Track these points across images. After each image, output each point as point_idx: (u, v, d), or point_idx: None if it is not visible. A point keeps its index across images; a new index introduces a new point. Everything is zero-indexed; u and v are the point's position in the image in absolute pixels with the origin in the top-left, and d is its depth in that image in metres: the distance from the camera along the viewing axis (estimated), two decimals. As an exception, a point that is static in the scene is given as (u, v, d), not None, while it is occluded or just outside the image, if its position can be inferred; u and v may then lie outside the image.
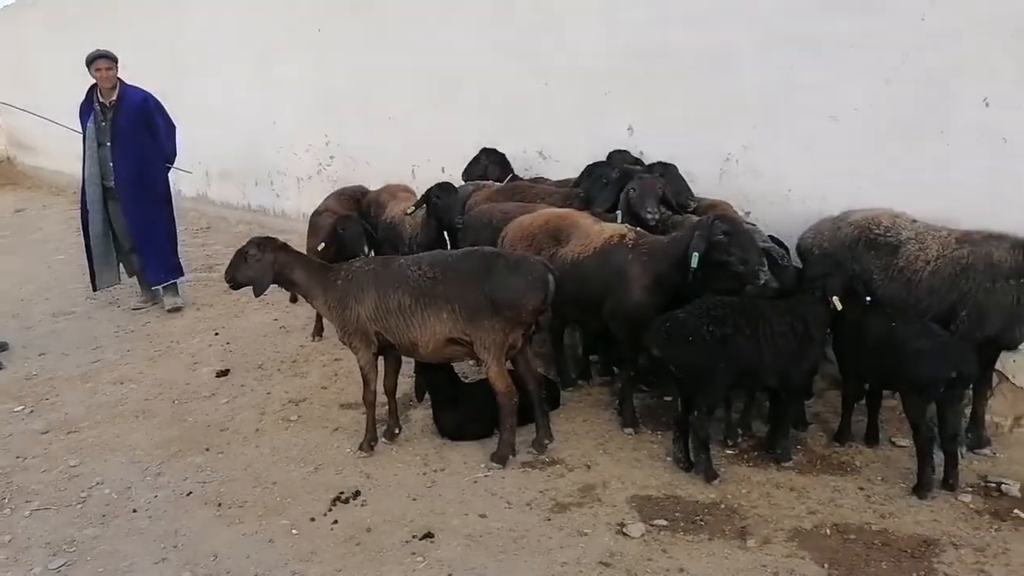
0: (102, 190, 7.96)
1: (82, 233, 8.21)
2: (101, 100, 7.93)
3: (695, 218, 5.55)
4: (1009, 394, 4.98)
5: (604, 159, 6.46)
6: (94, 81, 7.93)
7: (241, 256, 4.98)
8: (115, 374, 6.66)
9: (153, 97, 8.11)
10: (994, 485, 4.37)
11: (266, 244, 4.98)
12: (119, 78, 7.96)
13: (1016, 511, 4.14)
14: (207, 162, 12.88)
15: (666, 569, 3.79)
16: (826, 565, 3.77)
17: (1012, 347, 4.64)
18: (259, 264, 4.93)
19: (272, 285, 5.03)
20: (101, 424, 5.74)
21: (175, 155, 8.42)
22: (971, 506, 4.21)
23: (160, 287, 8.32)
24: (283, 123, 11.50)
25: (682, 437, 4.64)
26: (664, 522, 4.17)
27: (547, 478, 4.69)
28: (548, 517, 4.28)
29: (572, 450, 5.00)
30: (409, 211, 6.20)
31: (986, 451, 4.73)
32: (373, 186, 9.40)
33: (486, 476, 4.74)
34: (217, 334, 7.51)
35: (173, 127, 8.29)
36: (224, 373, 6.52)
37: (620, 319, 5.02)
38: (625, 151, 6.36)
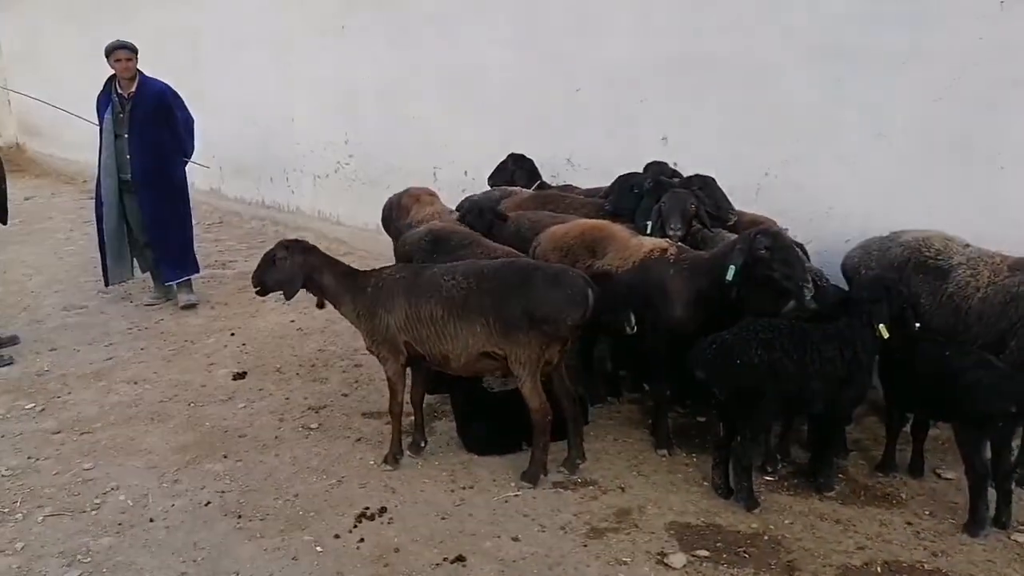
0: (118, 183, 7.79)
1: (95, 226, 8.03)
2: (119, 91, 7.77)
3: (727, 234, 5.41)
4: (1059, 426, 4.80)
5: (635, 170, 6.27)
6: (113, 72, 7.77)
7: (269, 259, 4.82)
8: (129, 373, 6.49)
9: (172, 89, 7.95)
10: (1049, 523, 4.21)
11: (295, 246, 4.82)
12: (139, 69, 7.80)
13: (1075, 552, 3.97)
14: (221, 156, 12.69)
15: (711, 605, 3.63)
16: (880, 607, 3.61)
17: (1065, 380, 4.47)
18: (288, 267, 4.77)
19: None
20: (115, 425, 5.58)
21: (193, 149, 8.25)
22: (1024, 545, 4.04)
23: (174, 283, 8.16)
24: (301, 119, 11.33)
25: (722, 463, 4.47)
26: (706, 552, 4.00)
27: (580, 500, 4.53)
28: (584, 543, 4.11)
29: (604, 471, 4.83)
30: None
31: (1035, 486, 4.56)
32: (393, 186, 9.26)
33: (516, 496, 4.58)
34: (233, 334, 7.35)
35: (192, 121, 8.13)
36: (241, 376, 6.36)
37: (660, 335, 4.85)
38: (662, 163, 6.17)
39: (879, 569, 3.86)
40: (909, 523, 4.26)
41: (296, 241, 4.89)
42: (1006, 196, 4.82)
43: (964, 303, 4.54)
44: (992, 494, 4.16)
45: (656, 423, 5.09)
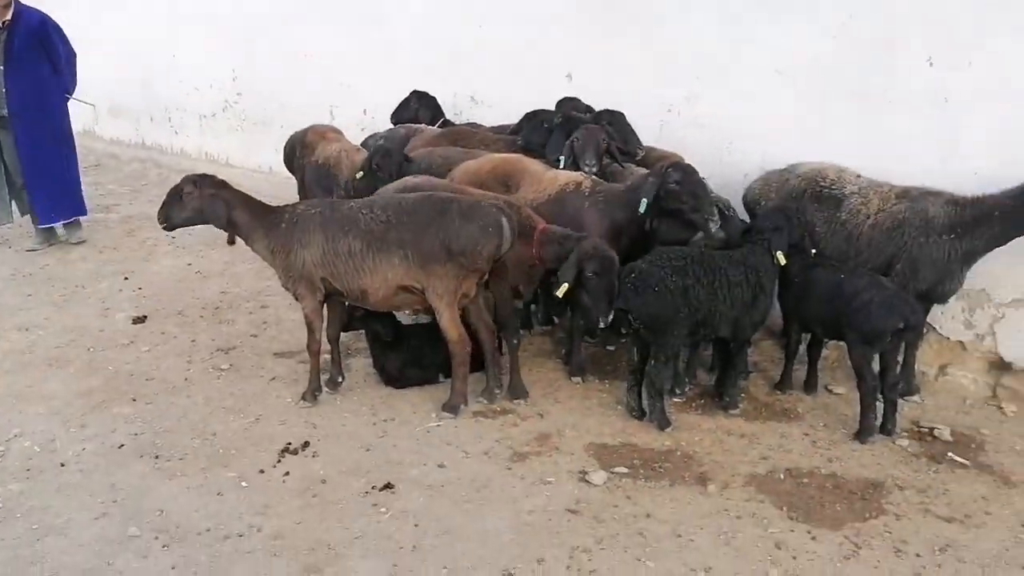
0: (-9, 117, 7.32)
1: (-30, 166, 7.52)
2: (-8, 20, 7.24)
3: (637, 168, 5.57)
4: (935, 344, 5.24)
5: (540, 107, 6.30)
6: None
7: (176, 195, 4.65)
8: (17, 319, 6.17)
9: (52, 20, 7.48)
10: (927, 430, 4.61)
11: (203, 180, 4.67)
12: (15, -4, 7.28)
13: (950, 454, 4.37)
14: (96, 95, 11.97)
15: (633, 515, 3.82)
16: (785, 508, 3.89)
17: (943, 301, 4.86)
18: (197, 202, 4.62)
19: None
20: (10, 373, 5.32)
21: (75, 85, 7.79)
22: (908, 450, 4.42)
23: (60, 225, 7.75)
24: (185, 56, 10.83)
25: (636, 386, 4.67)
26: (624, 469, 4.20)
27: (501, 427, 4.65)
28: (508, 466, 4.24)
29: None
30: (359, 176, 5.86)
31: (916, 398, 4.97)
32: (287, 126, 9.01)
33: (438, 426, 4.65)
34: (127, 278, 7.07)
35: (74, 55, 7.67)
36: (141, 320, 6.15)
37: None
38: (576, 99, 6.20)
39: (782, 476, 4.16)
40: (806, 434, 4.59)
41: (205, 175, 4.73)
42: (896, 130, 5.11)
43: (856, 229, 4.84)
44: (880, 406, 4.52)
45: (569, 351, 5.26)
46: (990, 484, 4.12)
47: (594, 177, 5.10)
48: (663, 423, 4.56)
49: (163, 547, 3.65)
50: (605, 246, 4.57)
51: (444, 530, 3.72)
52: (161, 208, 4.74)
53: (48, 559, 3.57)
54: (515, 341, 4.97)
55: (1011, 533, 3.73)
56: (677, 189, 4.65)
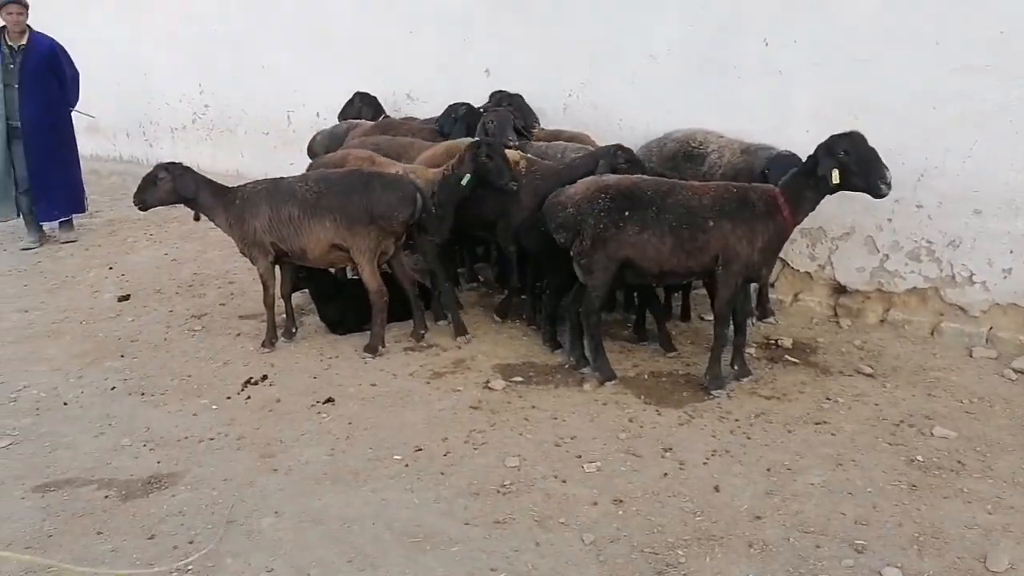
0: (6, 128, 8.42)
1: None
2: (9, 43, 8.37)
3: (563, 143, 6.52)
4: (789, 276, 6.29)
5: (466, 99, 7.29)
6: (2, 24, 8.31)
7: (151, 179, 5.65)
8: (16, 304, 7.11)
9: (61, 45, 8.71)
10: (773, 341, 5.65)
11: (174, 167, 5.68)
12: (28, 24, 8.39)
13: (786, 356, 5.43)
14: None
15: (521, 407, 4.85)
16: (642, 397, 4.93)
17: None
18: (169, 184, 5.61)
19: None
20: (13, 344, 6.25)
21: (77, 100, 9.05)
22: (754, 355, 5.46)
23: (55, 225, 8.85)
24: (154, 74, 11.79)
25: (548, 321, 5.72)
26: (520, 379, 5.23)
27: (426, 357, 5.66)
28: (428, 381, 5.26)
29: (445, 337, 5.96)
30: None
31: (771, 320, 6.01)
32: (250, 132, 10.06)
33: (374, 359, 5.65)
34: (111, 268, 8.02)
35: (78, 75, 8.93)
36: (125, 298, 7.11)
37: (511, 233, 5.91)
38: (503, 91, 7.23)
39: (646, 377, 5.21)
40: (675, 349, 5.63)
41: (173, 163, 5.75)
42: (744, 99, 6.19)
43: (712, 179, 5.88)
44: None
45: (504, 301, 6.31)
46: (811, 374, 5.18)
47: (530, 156, 5.97)
48: (553, 344, 5.60)
49: (150, 451, 4.62)
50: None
51: (372, 425, 4.73)
52: (137, 192, 5.74)
53: (59, 464, 4.53)
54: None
55: (815, 404, 4.78)
56: (624, 167, 5.47)
